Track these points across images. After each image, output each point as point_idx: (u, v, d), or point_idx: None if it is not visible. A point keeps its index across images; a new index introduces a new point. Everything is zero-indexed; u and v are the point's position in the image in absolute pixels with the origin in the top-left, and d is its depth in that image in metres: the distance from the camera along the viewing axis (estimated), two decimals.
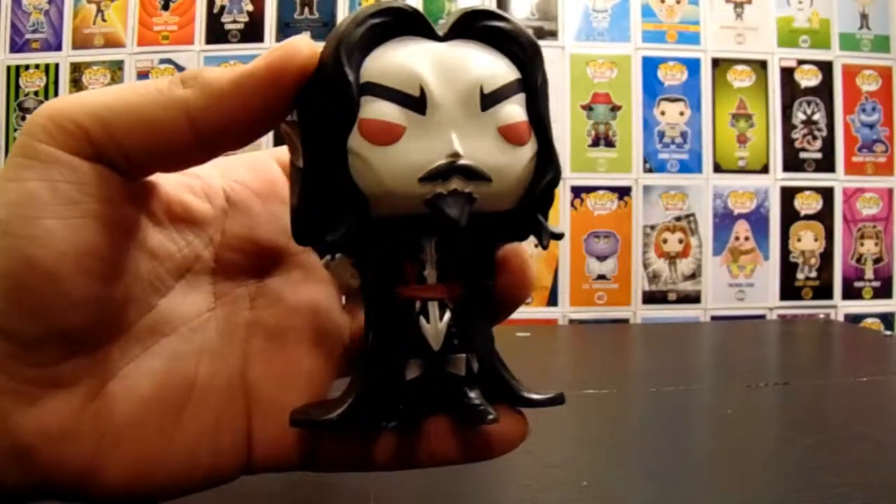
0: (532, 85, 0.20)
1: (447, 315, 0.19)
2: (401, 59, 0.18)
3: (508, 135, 0.19)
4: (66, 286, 0.17)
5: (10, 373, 0.17)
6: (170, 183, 0.21)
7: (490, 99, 0.19)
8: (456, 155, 0.18)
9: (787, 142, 1.15)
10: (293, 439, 0.20)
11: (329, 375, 0.21)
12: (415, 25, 0.18)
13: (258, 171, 0.22)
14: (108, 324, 0.19)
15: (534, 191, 0.20)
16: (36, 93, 1.12)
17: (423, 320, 0.19)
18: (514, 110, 0.19)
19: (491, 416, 0.19)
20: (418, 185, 0.18)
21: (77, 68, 1.12)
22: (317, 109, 0.18)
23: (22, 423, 0.18)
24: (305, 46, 0.18)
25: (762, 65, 1.15)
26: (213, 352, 0.21)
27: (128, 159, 0.18)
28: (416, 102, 0.18)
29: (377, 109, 0.18)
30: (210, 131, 0.18)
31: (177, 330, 0.20)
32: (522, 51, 0.19)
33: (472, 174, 0.18)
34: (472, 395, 0.20)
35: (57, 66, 1.12)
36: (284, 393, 0.20)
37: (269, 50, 0.18)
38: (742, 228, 1.14)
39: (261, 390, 0.21)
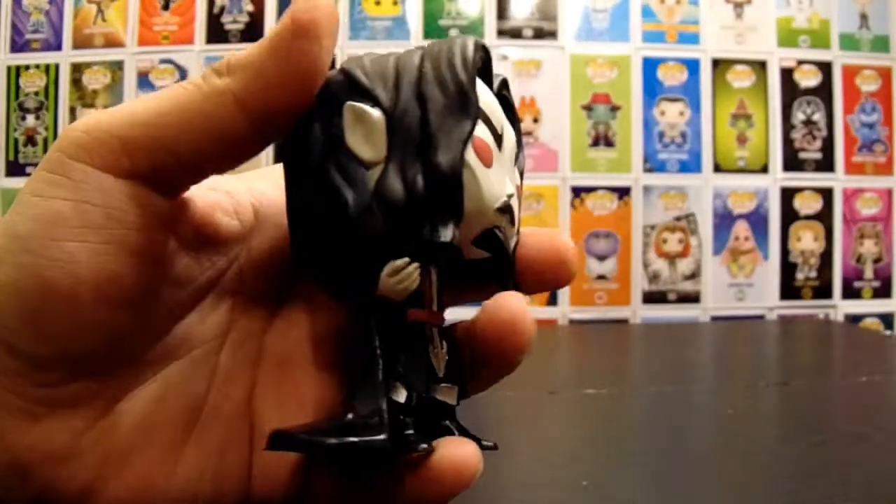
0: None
1: (445, 344, 0.19)
2: (491, 98, 0.20)
3: (519, 191, 0.21)
4: (83, 312, 0.17)
5: (15, 391, 0.17)
6: (201, 201, 0.20)
7: (514, 157, 0.21)
8: (511, 195, 0.19)
9: (787, 142, 1.15)
10: (288, 474, 0.20)
11: (333, 407, 0.20)
12: (489, 66, 0.20)
13: (281, 188, 0.21)
14: (121, 349, 0.18)
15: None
16: (36, 93, 1.12)
17: (430, 345, 0.19)
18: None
19: (488, 444, 0.20)
20: (493, 214, 0.19)
21: (77, 68, 1.12)
22: (437, 106, 0.18)
23: (23, 441, 0.17)
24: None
25: (762, 65, 1.15)
26: (223, 378, 0.20)
27: (177, 163, 0.18)
28: (499, 139, 0.19)
29: (485, 132, 0.19)
30: (261, 109, 0.18)
31: (189, 354, 0.20)
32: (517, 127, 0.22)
33: (513, 218, 0.19)
34: (459, 425, 0.20)
35: (57, 66, 1.12)
36: (287, 424, 0.20)
37: (287, 9, 0.18)
38: (742, 228, 1.14)
39: (264, 420, 0.20)
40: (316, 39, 0.17)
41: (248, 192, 0.21)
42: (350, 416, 0.18)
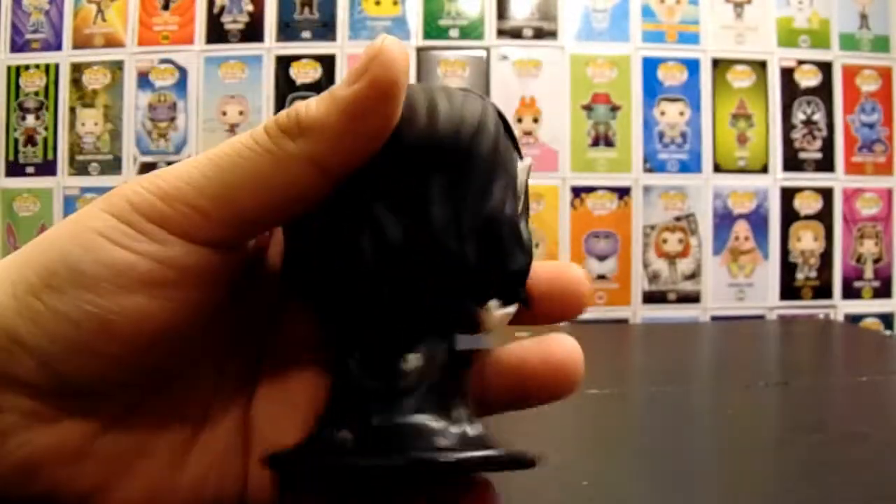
0: None
1: None
2: None
3: None
4: (131, 358, 0.17)
5: (33, 397, 0.17)
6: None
7: None
8: None
9: (787, 142, 1.15)
10: (277, 485, 0.20)
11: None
12: None
13: None
14: (142, 378, 0.19)
15: None
16: (36, 93, 1.12)
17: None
18: None
19: None
20: None
21: (77, 68, 1.12)
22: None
23: (37, 440, 0.17)
24: (400, 49, 0.17)
25: (762, 65, 1.15)
26: (224, 387, 0.21)
27: (254, 228, 0.18)
28: None
29: None
30: (339, 170, 0.17)
31: (195, 368, 0.20)
32: None
33: None
34: None
35: (57, 66, 1.12)
36: (282, 433, 0.20)
37: (362, 64, 0.17)
38: (742, 228, 1.14)
39: (260, 430, 0.20)
40: (395, 99, 0.17)
41: None
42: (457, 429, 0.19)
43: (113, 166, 1.11)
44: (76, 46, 1.12)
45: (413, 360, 0.19)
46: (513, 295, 0.20)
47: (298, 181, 0.17)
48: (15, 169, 1.12)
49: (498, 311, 0.19)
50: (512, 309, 0.20)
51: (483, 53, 1.11)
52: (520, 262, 0.19)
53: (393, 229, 0.18)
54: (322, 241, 0.19)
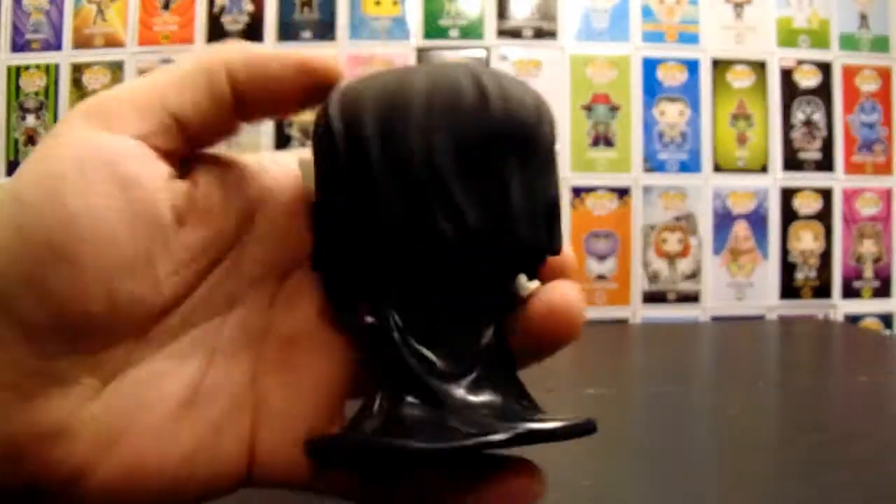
0: None
1: None
2: None
3: None
4: (84, 276, 0.17)
5: (10, 364, 0.17)
6: (210, 172, 0.20)
7: None
8: None
9: (787, 142, 1.15)
10: (296, 456, 0.19)
11: (342, 388, 0.20)
12: None
13: (293, 170, 0.22)
14: (120, 321, 0.18)
15: None
16: (36, 93, 1.12)
17: None
18: None
19: None
20: None
21: (77, 68, 1.12)
22: None
23: (17, 421, 0.17)
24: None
25: (762, 65, 1.15)
26: (224, 357, 0.20)
27: (177, 123, 0.19)
28: None
29: None
30: (246, 83, 0.20)
31: (190, 332, 0.19)
32: None
33: None
34: None
35: (57, 66, 1.12)
36: (294, 405, 0.20)
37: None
38: (741, 228, 1.14)
39: (270, 400, 0.20)
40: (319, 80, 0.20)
41: (260, 166, 0.21)
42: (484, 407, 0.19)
43: None
44: (76, 46, 1.12)
45: (474, 339, 0.19)
46: (536, 272, 0.20)
47: (208, 76, 0.20)
48: (15, 169, 1.11)
49: (529, 288, 0.20)
50: (536, 285, 0.20)
51: (483, 53, 1.11)
52: (560, 243, 0.20)
53: (472, 212, 0.18)
54: (391, 223, 0.19)
